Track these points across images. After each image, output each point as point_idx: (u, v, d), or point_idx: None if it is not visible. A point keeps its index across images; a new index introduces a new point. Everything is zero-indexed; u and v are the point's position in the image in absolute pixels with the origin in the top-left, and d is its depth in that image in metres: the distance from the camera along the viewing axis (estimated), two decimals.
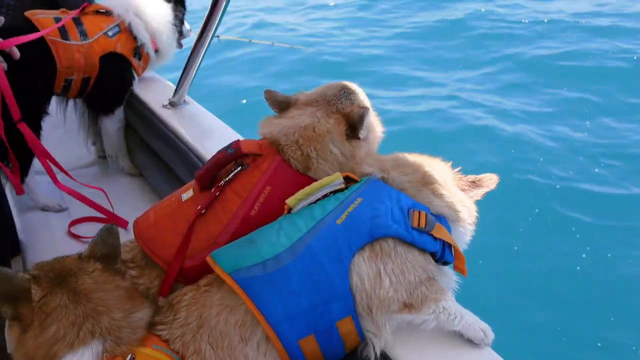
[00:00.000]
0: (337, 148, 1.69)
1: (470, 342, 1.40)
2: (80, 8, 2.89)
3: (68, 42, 2.72)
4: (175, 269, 1.58)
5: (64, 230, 2.65)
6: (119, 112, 3.13)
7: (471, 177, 1.64)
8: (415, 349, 1.42)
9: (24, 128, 2.29)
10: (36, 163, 2.74)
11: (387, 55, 8.09)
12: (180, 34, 3.29)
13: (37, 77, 2.67)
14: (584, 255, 4.09)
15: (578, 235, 4.29)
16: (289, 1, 11.52)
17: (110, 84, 3.00)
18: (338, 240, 1.37)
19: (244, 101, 6.64)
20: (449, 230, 1.47)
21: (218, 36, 2.57)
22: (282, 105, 1.83)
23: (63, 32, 2.72)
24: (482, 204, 1.64)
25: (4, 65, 2.06)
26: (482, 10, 9.51)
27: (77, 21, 2.81)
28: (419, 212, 1.42)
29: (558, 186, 4.87)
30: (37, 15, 2.72)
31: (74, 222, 2.67)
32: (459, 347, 1.40)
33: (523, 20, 9.10)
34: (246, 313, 1.34)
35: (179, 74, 2.79)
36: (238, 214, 1.62)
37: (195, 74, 2.74)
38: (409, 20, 9.50)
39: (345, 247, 1.36)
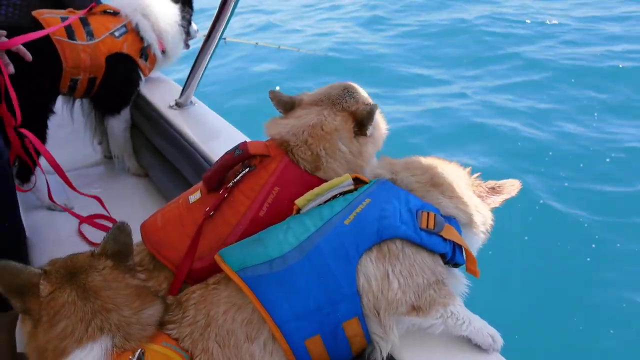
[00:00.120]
0: (345, 146, 1.71)
1: (479, 347, 1.39)
2: (88, 8, 2.90)
3: (74, 41, 2.73)
4: (184, 271, 1.58)
5: (69, 229, 2.66)
6: (125, 113, 3.14)
7: (491, 183, 1.61)
8: (422, 352, 1.41)
9: (26, 133, 2.29)
10: (42, 162, 2.75)
11: (393, 56, 8.12)
12: (188, 34, 3.29)
13: (43, 76, 2.68)
14: (590, 253, 4.10)
15: (585, 232, 4.30)
16: (295, 3, 11.55)
17: (117, 84, 3.01)
18: (345, 240, 1.37)
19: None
20: (459, 232, 1.46)
21: (224, 38, 2.57)
22: (286, 105, 1.85)
23: (69, 32, 2.72)
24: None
25: (11, 69, 2.05)
26: (489, 10, 9.53)
27: (84, 21, 2.82)
28: (428, 213, 1.41)
29: (566, 184, 4.91)
30: (44, 14, 2.73)
31: (84, 220, 2.67)
32: (467, 352, 1.39)
33: (527, 20, 9.14)
34: (253, 312, 1.34)
35: (185, 74, 2.80)
36: (246, 215, 1.62)
37: (203, 75, 2.74)
38: (415, 20, 9.53)
39: (353, 247, 1.36)
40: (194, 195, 1.74)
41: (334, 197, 1.52)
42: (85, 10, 2.87)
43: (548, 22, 9.01)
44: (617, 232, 4.27)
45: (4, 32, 1.96)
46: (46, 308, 1.21)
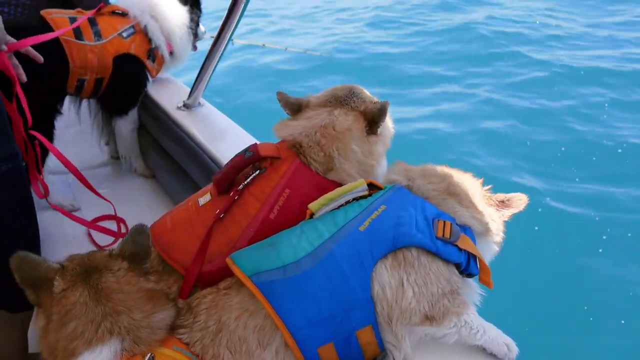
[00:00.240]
0: (357, 146, 1.70)
1: (494, 356, 1.37)
2: (97, 8, 2.89)
3: (82, 42, 2.72)
4: (194, 274, 1.56)
5: (76, 230, 2.64)
6: (133, 113, 3.13)
7: (500, 197, 1.60)
8: None
9: (37, 135, 2.28)
10: (49, 162, 2.74)
11: (398, 58, 8.15)
12: (196, 36, 3.29)
13: (50, 76, 2.66)
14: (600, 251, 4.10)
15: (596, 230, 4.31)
16: (303, 6, 11.57)
17: (124, 85, 3.00)
18: (360, 247, 1.35)
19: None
20: (474, 242, 1.44)
21: (232, 40, 2.57)
22: (294, 107, 1.84)
23: (77, 32, 2.72)
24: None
25: (23, 76, 2.03)
26: (496, 11, 9.53)
27: (92, 21, 2.81)
28: (444, 222, 1.39)
29: (577, 180, 4.93)
30: (52, 14, 2.73)
31: (95, 220, 2.67)
32: None
33: (536, 22, 9.13)
34: (265, 318, 1.32)
35: (194, 76, 2.79)
36: (257, 217, 1.60)
37: (211, 76, 2.73)
38: (421, 20, 9.54)
39: (368, 254, 1.34)
40: (204, 198, 1.73)
41: (348, 202, 1.50)
42: (93, 11, 2.86)
43: (554, 24, 9.00)
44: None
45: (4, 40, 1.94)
46: (58, 305, 1.21)
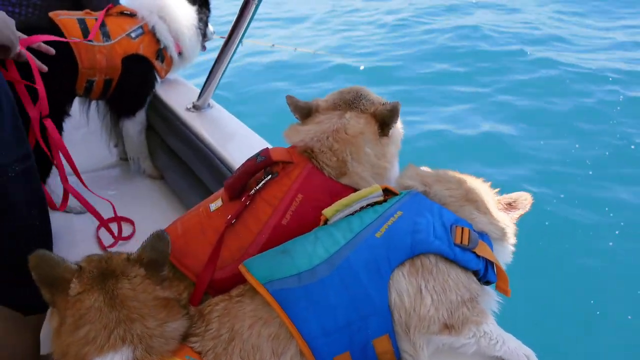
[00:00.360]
0: (370, 149, 1.68)
1: None
2: (105, 9, 2.88)
3: (90, 43, 2.70)
4: (205, 281, 1.54)
5: (84, 233, 2.63)
6: (141, 115, 3.11)
7: (506, 199, 1.58)
8: None
9: (49, 124, 2.29)
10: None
11: (406, 63, 8.09)
12: (204, 36, 3.27)
13: (58, 77, 2.64)
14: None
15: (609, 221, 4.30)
16: (313, 6, 11.58)
17: (132, 85, 2.99)
18: (377, 254, 1.32)
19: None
20: (491, 248, 1.41)
21: (242, 41, 2.56)
22: (303, 111, 1.81)
23: (86, 33, 2.70)
24: None
25: (44, 67, 2.09)
26: (504, 17, 9.50)
27: (100, 22, 2.79)
28: (462, 229, 1.36)
29: (590, 172, 4.91)
30: (61, 16, 2.71)
31: (104, 222, 2.66)
32: None
33: (540, 28, 9.10)
34: (280, 326, 1.30)
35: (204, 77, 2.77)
36: (269, 223, 1.57)
37: (221, 78, 2.71)
38: (428, 28, 9.51)
39: (385, 261, 1.31)
40: (215, 203, 1.70)
41: (362, 208, 1.47)
42: (102, 12, 2.85)
43: (563, 27, 8.96)
44: None
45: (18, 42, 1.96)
46: (72, 308, 1.20)
